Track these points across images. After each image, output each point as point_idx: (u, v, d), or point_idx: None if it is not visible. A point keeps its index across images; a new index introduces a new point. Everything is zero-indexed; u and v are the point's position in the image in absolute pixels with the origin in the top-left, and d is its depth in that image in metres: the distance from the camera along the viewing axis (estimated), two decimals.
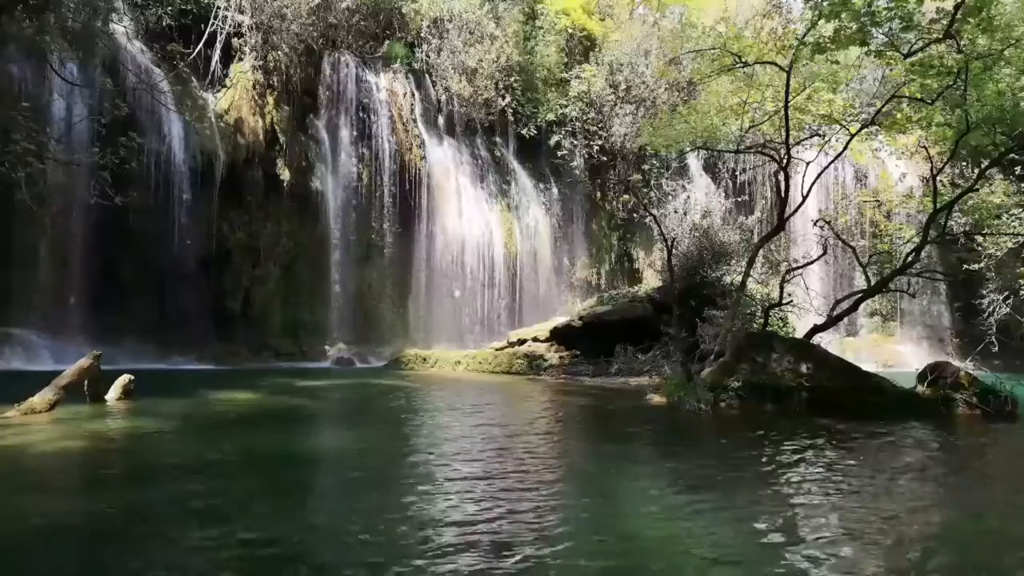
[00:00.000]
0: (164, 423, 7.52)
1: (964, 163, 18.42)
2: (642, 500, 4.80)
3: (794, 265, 14.59)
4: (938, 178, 12.23)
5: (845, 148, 12.98)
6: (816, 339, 11.72)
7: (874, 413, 8.90)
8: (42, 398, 7.67)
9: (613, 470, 5.89)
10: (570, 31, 25.67)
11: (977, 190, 13.24)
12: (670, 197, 24.09)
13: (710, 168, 27.11)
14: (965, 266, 18.90)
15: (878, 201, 23.86)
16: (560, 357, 16.25)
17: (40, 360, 14.29)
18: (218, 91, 19.04)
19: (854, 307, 13.21)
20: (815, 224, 14.36)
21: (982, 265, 18.67)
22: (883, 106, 12.01)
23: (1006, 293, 19.68)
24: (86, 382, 8.35)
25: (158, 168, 16.87)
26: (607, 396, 11.71)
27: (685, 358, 11.01)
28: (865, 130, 12.43)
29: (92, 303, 15.40)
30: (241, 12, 19.13)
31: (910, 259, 12.04)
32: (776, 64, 11.68)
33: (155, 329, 15.86)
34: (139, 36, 18.16)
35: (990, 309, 20.15)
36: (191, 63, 18.31)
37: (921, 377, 10.10)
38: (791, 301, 13.70)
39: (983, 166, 11.73)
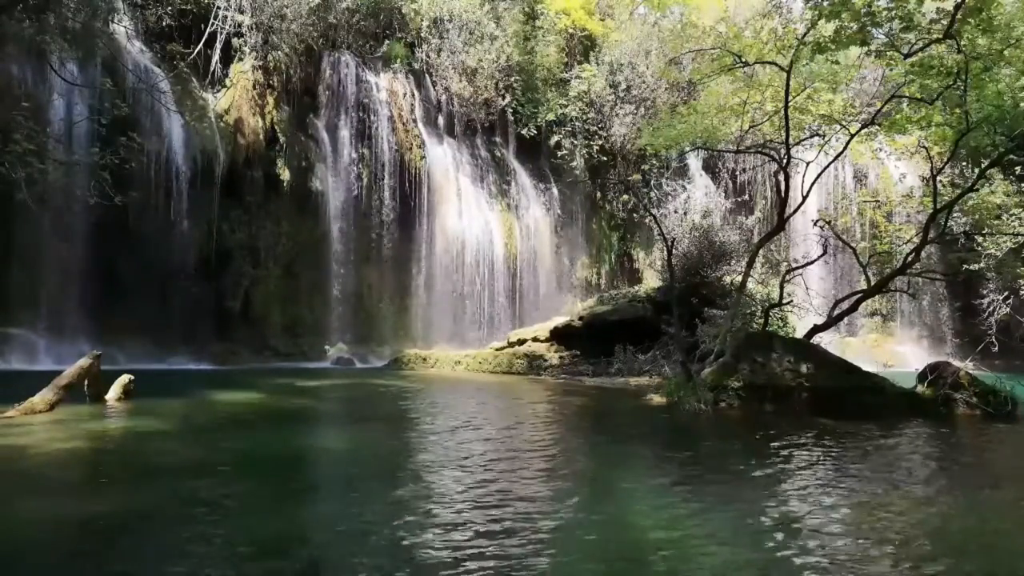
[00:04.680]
0: (164, 423, 7.52)
1: (964, 163, 18.42)
2: (642, 500, 4.79)
3: (794, 265, 14.58)
4: (938, 178, 12.24)
5: (845, 148, 12.99)
6: (816, 339, 11.72)
7: (874, 413, 8.91)
8: (42, 398, 7.67)
9: (613, 470, 5.89)
10: (570, 31, 25.65)
11: (977, 190, 13.26)
12: (670, 197, 24.14)
13: (710, 168, 27.10)
14: (965, 266, 18.90)
15: (878, 201, 23.86)
16: (560, 357, 16.24)
17: (40, 360, 14.28)
18: (218, 91, 19.03)
19: (854, 307, 13.22)
20: (815, 224, 14.36)
21: (982, 265, 18.66)
22: (883, 106, 12.03)
23: (1006, 293, 19.68)
24: (86, 382, 8.36)
25: (158, 168, 16.86)
26: (607, 396, 11.71)
27: (685, 358, 11.01)
28: (865, 130, 12.44)
29: (92, 303, 15.37)
30: (241, 12, 19.11)
31: (910, 259, 12.05)
32: (776, 64, 11.69)
33: (155, 329, 15.84)
34: (139, 36, 18.14)
35: (990, 309, 20.15)
36: (191, 63, 18.30)
37: (921, 377, 10.11)
38: (791, 301, 13.70)
39: (983, 166, 11.73)
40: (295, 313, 19.76)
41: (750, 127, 13.85)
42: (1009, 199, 16.59)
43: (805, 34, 10.87)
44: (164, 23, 18.25)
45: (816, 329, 11.76)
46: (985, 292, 20.41)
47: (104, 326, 14.95)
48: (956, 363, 11.30)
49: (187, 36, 18.60)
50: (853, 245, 14.20)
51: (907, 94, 11.55)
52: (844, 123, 12.88)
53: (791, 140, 11.90)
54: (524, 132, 24.34)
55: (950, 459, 7.00)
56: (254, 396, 10.42)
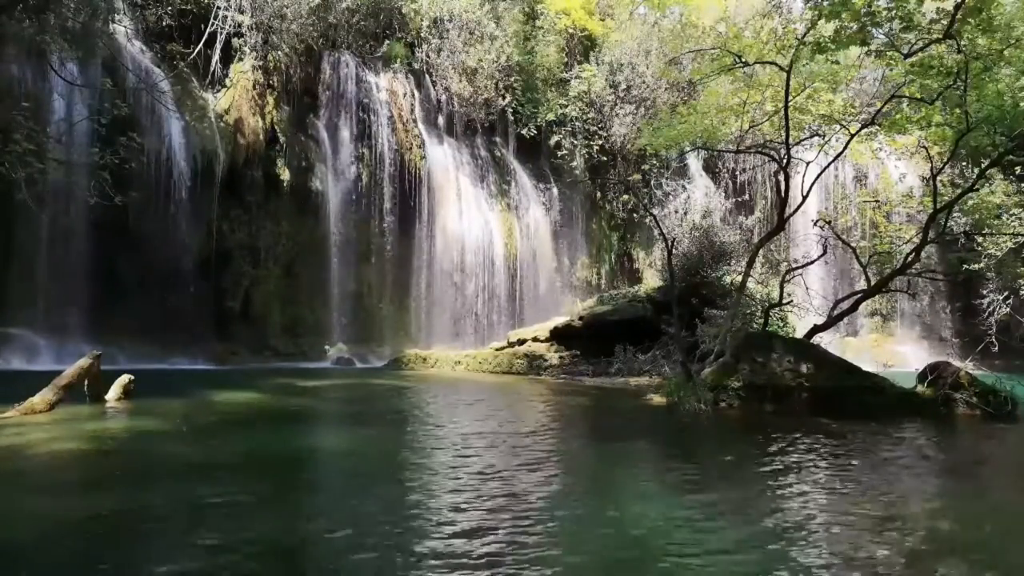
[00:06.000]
0: (164, 423, 7.52)
1: (964, 163, 18.42)
2: (643, 501, 4.79)
3: (794, 265, 14.59)
4: (938, 178, 12.24)
5: (845, 148, 12.98)
6: (816, 339, 11.73)
7: (874, 413, 8.91)
8: (42, 398, 7.67)
9: (613, 470, 5.89)
10: (570, 31, 25.66)
11: (977, 190, 13.26)
12: (670, 197, 24.14)
13: (710, 168, 27.11)
14: (965, 266, 18.91)
15: (878, 201, 23.86)
16: (560, 357, 16.24)
17: (40, 360, 14.28)
18: (218, 91, 19.03)
19: (854, 307, 13.22)
20: (815, 224, 14.36)
21: (982, 265, 18.66)
22: (883, 106, 12.02)
23: (1006, 293, 19.68)
24: (86, 382, 8.35)
25: (158, 168, 16.85)
26: (607, 396, 11.71)
27: (685, 358, 11.01)
28: (865, 130, 12.44)
29: (92, 303, 15.37)
30: (241, 12, 19.11)
31: (910, 259, 12.05)
32: (776, 64, 11.69)
33: (155, 329, 15.83)
34: (139, 36, 18.15)
35: (990, 309, 20.15)
36: (191, 63, 18.31)
37: (921, 377, 10.10)
38: (791, 301, 13.70)
39: (983, 166, 11.74)
40: (295, 313, 19.77)
41: (750, 127, 13.85)
42: (1009, 199, 16.59)
43: (805, 34, 10.87)
44: (164, 23, 18.26)
45: (816, 329, 11.76)
46: (985, 292, 20.40)
47: (104, 326, 14.95)
48: (956, 363, 11.31)
49: (187, 36, 18.61)
50: (853, 245, 14.19)
51: (907, 94, 11.55)
52: (844, 123, 12.88)
53: (791, 140, 11.90)
54: (524, 132, 24.35)
55: (950, 459, 7.01)
56: (254, 396, 10.42)
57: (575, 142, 24.76)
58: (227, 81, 19.16)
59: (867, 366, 11.90)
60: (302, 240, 19.94)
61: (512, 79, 23.83)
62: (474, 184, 23.30)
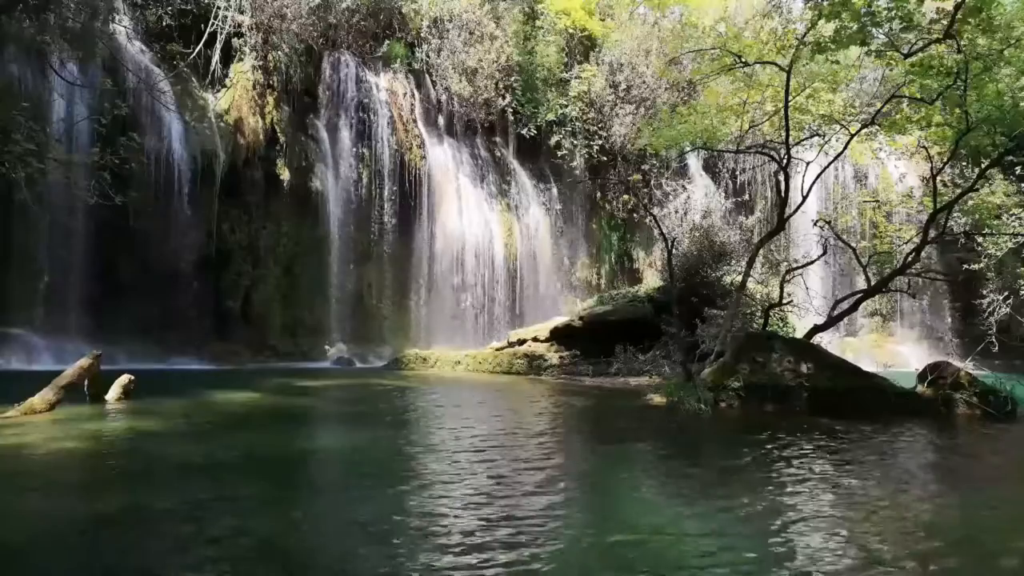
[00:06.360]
0: (164, 423, 7.52)
1: (964, 163, 18.40)
2: (642, 502, 4.79)
3: (794, 265, 14.58)
4: (938, 178, 12.24)
5: (845, 148, 12.98)
6: (816, 339, 11.72)
7: (874, 413, 8.91)
8: (42, 398, 7.66)
9: (613, 471, 5.89)
10: (570, 31, 25.64)
11: (977, 190, 13.24)
12: (670, 197, 24.13)
13: (710, 168, 27.09)
14: (965, 266, 18.89)
15: (878, 201, 23.84)
16: (560, 357, 16.24)
17: (40, 360, 14.28)
18: (218, 91, 19.04)
19: (854, 307, 13.22)
20: (815, 224, 14.35)
21: (982, 265, 18.65)
22: (883, 106, 12.02)
23: (1006, 293, 19.66)
24: (86, 382, 8.35)
25: (158, 168, 16.86)
26: (607, 396, 11.71)
27: (685, 358, 11.01)
28: (865, 130, 12.44)
29: (92, 303, 15.38)
30: (241, 12, 19.12)
31: (910, 259, 12.05)
32: (776, 64, 11.68)
33: (155, 329, 15.85)
34: (139, 36, 18.16)
35: (990, 309, 20.12)
36: (191, 63, 18.31)
37: (921, 377, 10.10)
38: (791, 301, 13.70)
39: (983, 166, 11.73)
40: (295, 313, 19.77)
41: (750, 127, 13.83)
42: (1009, 199, 16.57)
43: (805, 34, 10.87)
44: (164, 23, 18.26)
45: (816, 329, 11.75)
46: (985, 292, 20.38)
47: (104, 326, 14.94)
48: (956, 363, 11.31)
49: (187, 36, 18.60)
50: (853, 245, 14.18)
51: (907, 94, 11.55)
52: (844, 123, 12.87)
53: (791, 140, 11.90)
54: (524, 132, 24.34)
55: (950, 459, 7.01)
56: (254, 396, 10.42)
57: (575, 142, 24.74)
58: (227, 81, 19.16)
59: (867, 366, 11.90)
60: (302, 240, 19.95)
61: (512, 79, 23.83)
62: (474, 184, 23.30)
